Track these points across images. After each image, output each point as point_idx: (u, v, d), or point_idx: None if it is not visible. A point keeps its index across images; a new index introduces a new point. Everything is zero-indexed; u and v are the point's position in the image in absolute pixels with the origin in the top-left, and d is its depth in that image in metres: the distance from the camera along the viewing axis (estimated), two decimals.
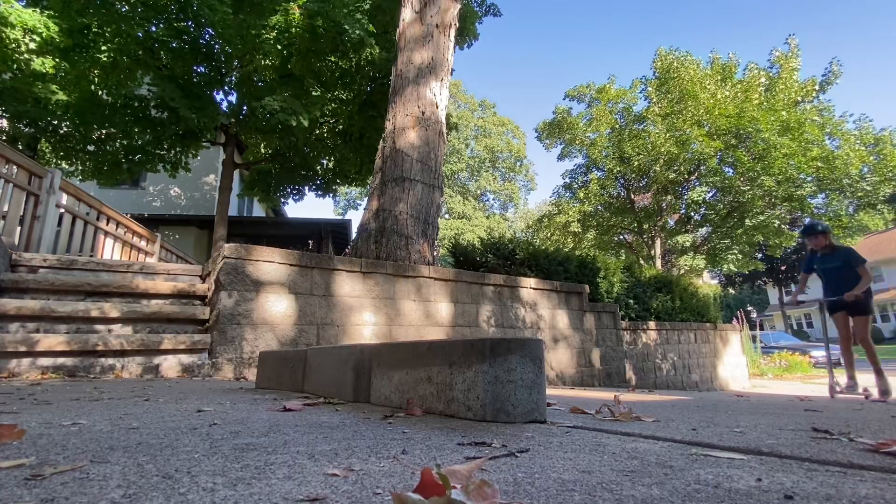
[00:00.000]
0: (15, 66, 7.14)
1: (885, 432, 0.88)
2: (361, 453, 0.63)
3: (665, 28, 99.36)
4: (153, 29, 7.59)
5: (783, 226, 15.11)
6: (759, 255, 21.27)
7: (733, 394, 4.60)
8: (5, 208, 4.21)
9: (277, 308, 3.26)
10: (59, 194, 4.99)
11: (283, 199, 12.66)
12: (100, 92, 8.40)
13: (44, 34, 6.86)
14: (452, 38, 5.05)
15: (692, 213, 17.05)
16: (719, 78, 15.84)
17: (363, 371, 1.27)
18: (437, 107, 4.75)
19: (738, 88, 15.06)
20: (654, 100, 16.39)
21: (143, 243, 7.09)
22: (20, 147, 9.77)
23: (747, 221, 14.90)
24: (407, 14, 4.94)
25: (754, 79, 15.02)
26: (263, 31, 8.13)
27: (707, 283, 24.72)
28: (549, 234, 19.36)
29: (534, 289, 4.89)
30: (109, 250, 6.26)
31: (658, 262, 16.63)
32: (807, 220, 14.74)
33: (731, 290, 37.55)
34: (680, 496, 0.45)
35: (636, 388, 3.64)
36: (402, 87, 4.75)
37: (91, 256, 5.71)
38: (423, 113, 4.66)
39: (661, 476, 0.52)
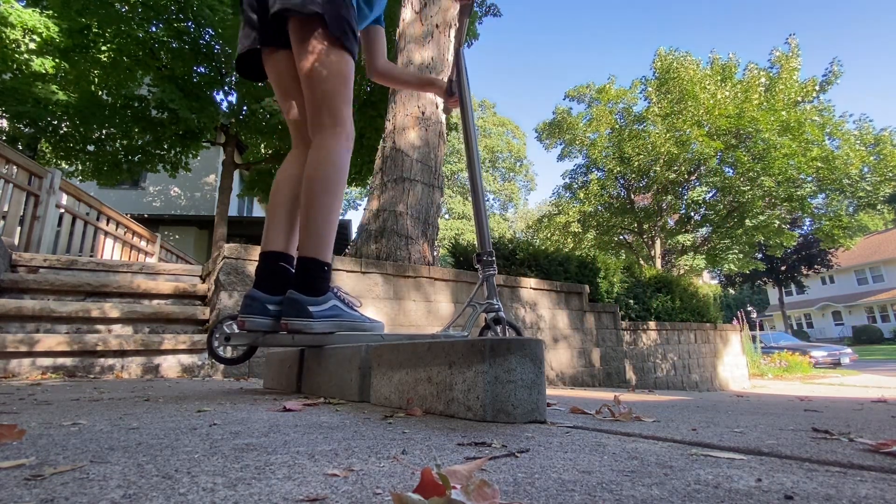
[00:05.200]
0: (15, 66, 7.15)
1: (885, 432, 0.89)
2: (361, 453, 0.63)
3: (665, 28, 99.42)
4: (153, 29, 7.59)
5: (783, 226, 15.12)
6: (759, 255, 21.27)
7: (733, 394, 4.60)
8: (5, 208, 4.21)
9: None
10: (59, 194, 4.99)
11: None
12: (100, 92, 8.40)
13: (44, 34, 6.86)
14: (453, 38, 5.05)
15: (692, 213, 17.05)
16: (719, 78, 15.84)
17: (364, 371, 1.28)
18: (437, 106, 4.75)
19: (737, 88, 15.06)
20: (654, 100, 16.39)
21: (143, 243, 7.09)
22: (20, 147, 9.78)
23: (747, 221, 14.90)
24: (407, 14, 4.94)
25: (754, 79, 15.02)
26: None
27: (707, 283, 24.73)
28: (549, 235, 19.37)
29: (534, 289, 4.89)
30: (109, 250, 6.26)
31: (658, 262, 16.63)
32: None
33: (731, 290, 37.54)
34: (680, 496, 0.45)
35: (636, 388, 3.64)
36: None
37: (91, 256, 5.71)
38: (423, 113, 4.66)
39: (661, 476, 0.52)
